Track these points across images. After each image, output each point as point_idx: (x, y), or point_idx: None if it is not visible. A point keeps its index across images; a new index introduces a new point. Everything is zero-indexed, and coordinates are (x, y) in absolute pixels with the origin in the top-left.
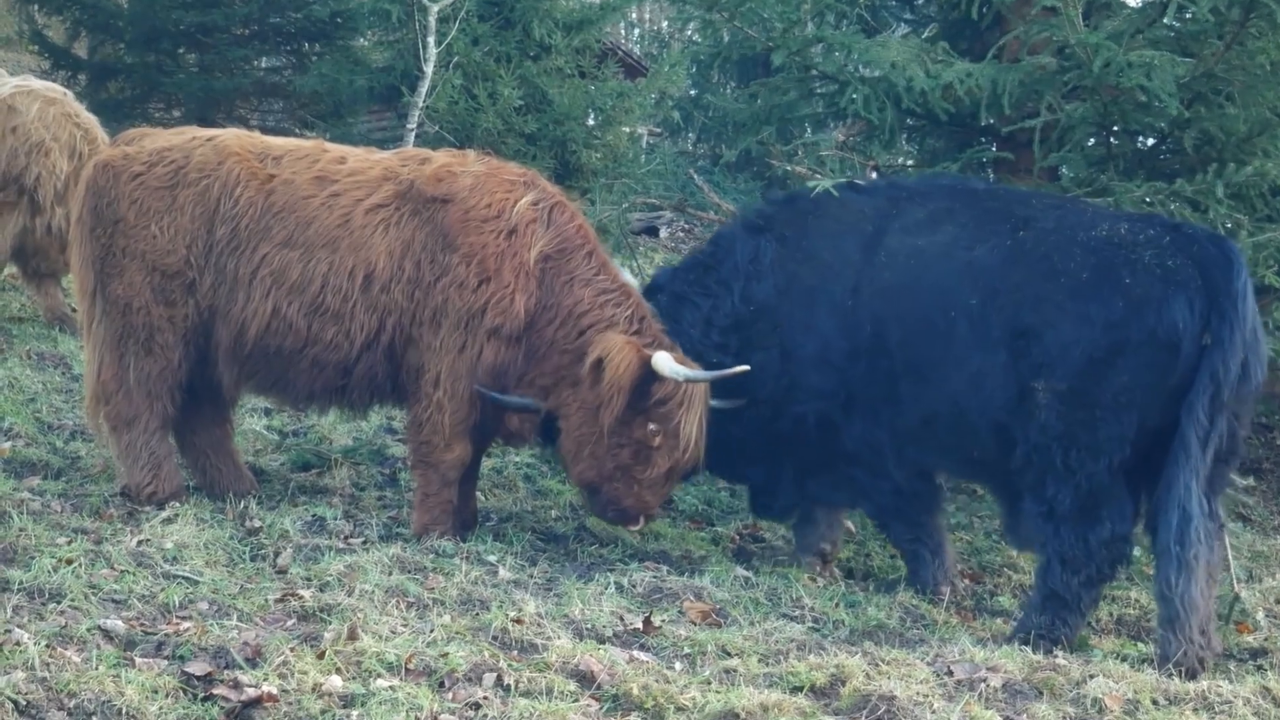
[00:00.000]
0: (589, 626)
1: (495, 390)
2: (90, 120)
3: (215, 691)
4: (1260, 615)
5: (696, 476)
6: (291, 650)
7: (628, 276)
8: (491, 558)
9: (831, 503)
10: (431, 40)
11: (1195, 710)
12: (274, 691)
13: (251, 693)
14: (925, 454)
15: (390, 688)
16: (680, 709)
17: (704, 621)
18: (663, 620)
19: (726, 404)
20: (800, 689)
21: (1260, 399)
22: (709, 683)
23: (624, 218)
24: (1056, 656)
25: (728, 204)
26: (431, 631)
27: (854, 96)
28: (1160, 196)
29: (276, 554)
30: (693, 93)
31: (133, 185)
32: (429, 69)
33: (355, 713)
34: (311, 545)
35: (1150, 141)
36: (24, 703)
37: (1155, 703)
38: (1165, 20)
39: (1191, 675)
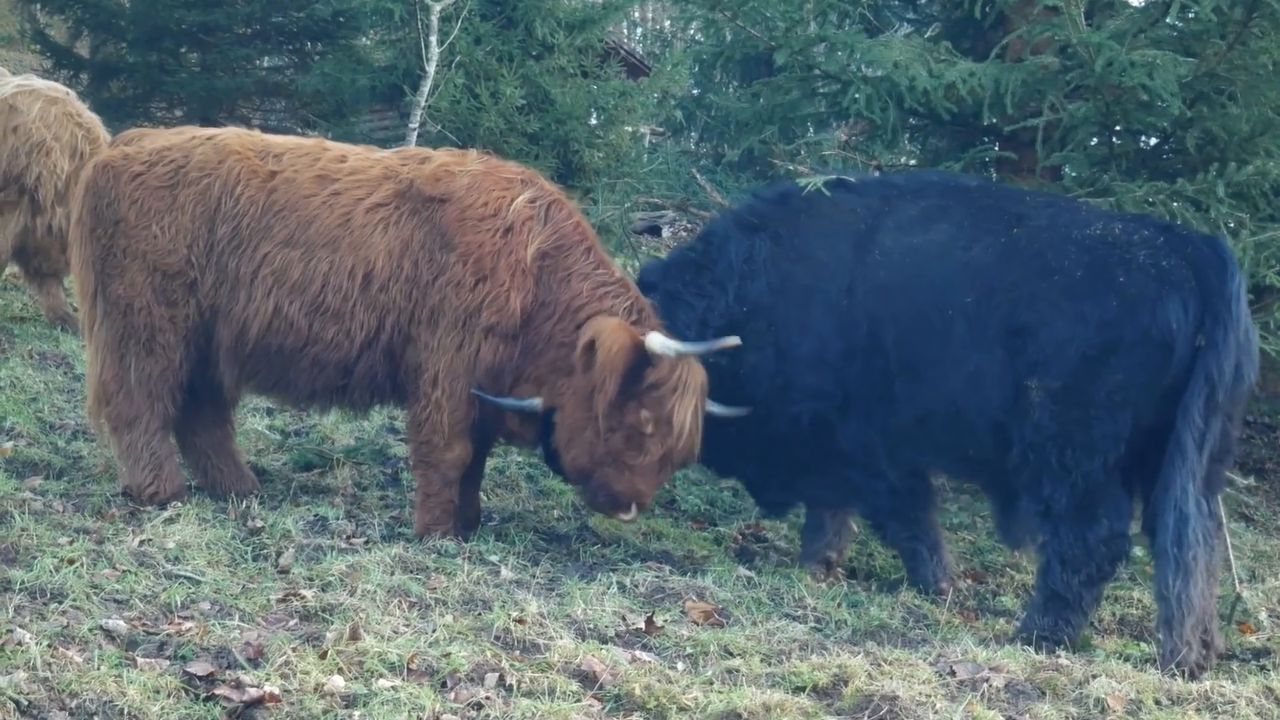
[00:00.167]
0: (591, 626)
1: (493, 389)
2: (92, 120)
3: (217, 691)
4: (1263, 615)
5: (691, 470)
6: (294, 650)
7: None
8: (494, 558)
9: (824, 502)
10: (434, 39)
11: (1198, 710)
12: (276, 692)
13: (253, 693)
14: (920, 453)
15: (392, 688)
16: (683, 709)
17: (706, 621)
18: (665, 620)
19: (730, 411)
20: (803, 689)
21: (1265, 399)
22: (711, 683)
23: (626, 217)
24: (1059, 656)
25: (730, 203)
26: (434, 631)
27: (856, 96)
28: (1162, 196)
29: (278, 554)
30: (695, 92)
31: (133, 185)
32: (431, 68)
33: (357, 713)
34: (314, 545)
35: (1152, 141)
36: (26, 703)
37: (1158, 703)
38: (1168, 20)
39: (1193, 676)
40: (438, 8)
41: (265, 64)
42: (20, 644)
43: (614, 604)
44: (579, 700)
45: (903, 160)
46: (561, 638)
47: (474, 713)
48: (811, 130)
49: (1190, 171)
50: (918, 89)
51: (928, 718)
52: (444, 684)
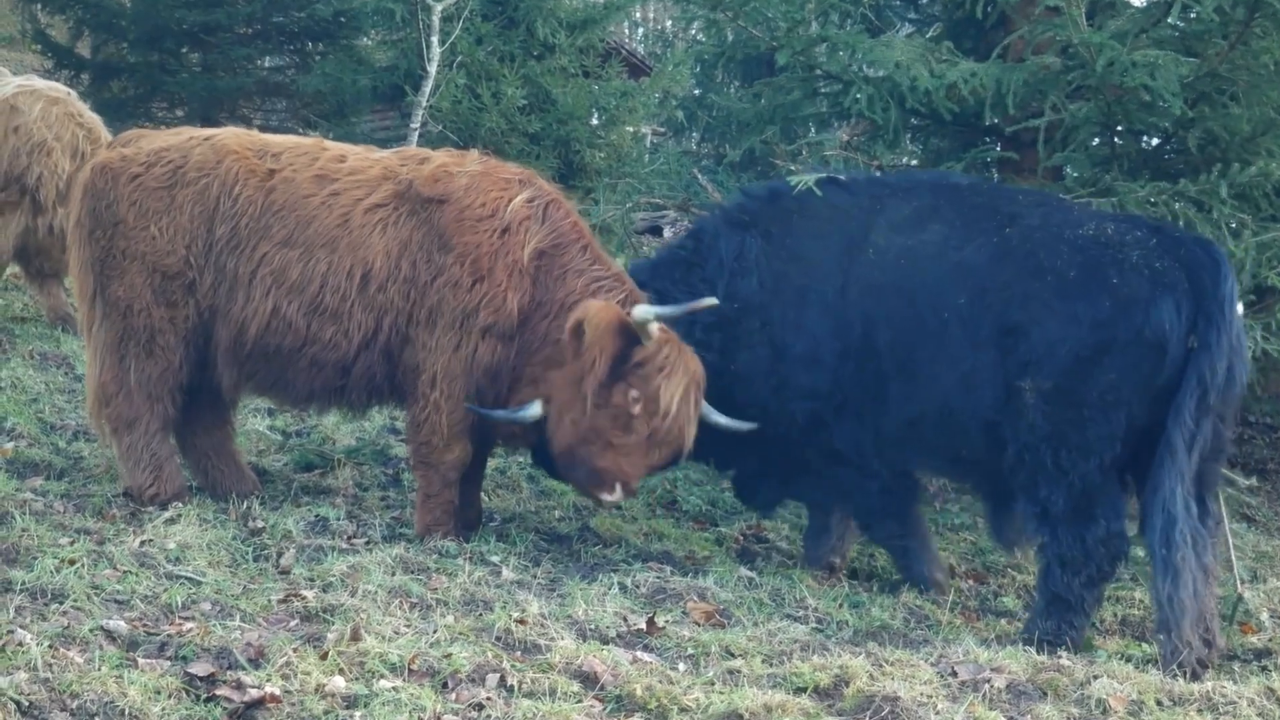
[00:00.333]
0: (592, 627)
1: (491, 390)
2: (93, 120)
3: (218, 692)
4: (1264, 616)
5: (692, 470)
6: (294, 651)
7: None
8: (495, 558)
9: (815, 500)
10: (435, 40)
11: (1199, 711)
12: (277, 692)
13: (254, 694)
14: (913, 454)
15: (393, 688)
16: (684, 710)
17: (708, 622)
18: (666, 621)
19: (735, 424)
20: (804, 690)
21: (1267, 400)
22: (713, 683)
23: (628, 217)
24: (1060, 657)
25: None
26: (435, 632)
27: (858, 96)
28: (1164, 196)
29: (279, 554)
30: (696, 92)
31: (131, 187)
32: (432, 68)
33: (358, 713)
34: (314, 546)
35: (1154, 141)
36: (26, 703)
37: (1159, 703)
38: (1169, 20)
39: (1195, 676)
40: (439, 8)
41: (266, 64)
42: (21, 644)
43: (615, 605)
44: (580, 701)
45: (904, 160)
46: (563, 638)
47: (475, 713)
48: (813, 130)
49: (1192, 172)
50: (919, 89)
51: (929, 718)
52: (445, 685)
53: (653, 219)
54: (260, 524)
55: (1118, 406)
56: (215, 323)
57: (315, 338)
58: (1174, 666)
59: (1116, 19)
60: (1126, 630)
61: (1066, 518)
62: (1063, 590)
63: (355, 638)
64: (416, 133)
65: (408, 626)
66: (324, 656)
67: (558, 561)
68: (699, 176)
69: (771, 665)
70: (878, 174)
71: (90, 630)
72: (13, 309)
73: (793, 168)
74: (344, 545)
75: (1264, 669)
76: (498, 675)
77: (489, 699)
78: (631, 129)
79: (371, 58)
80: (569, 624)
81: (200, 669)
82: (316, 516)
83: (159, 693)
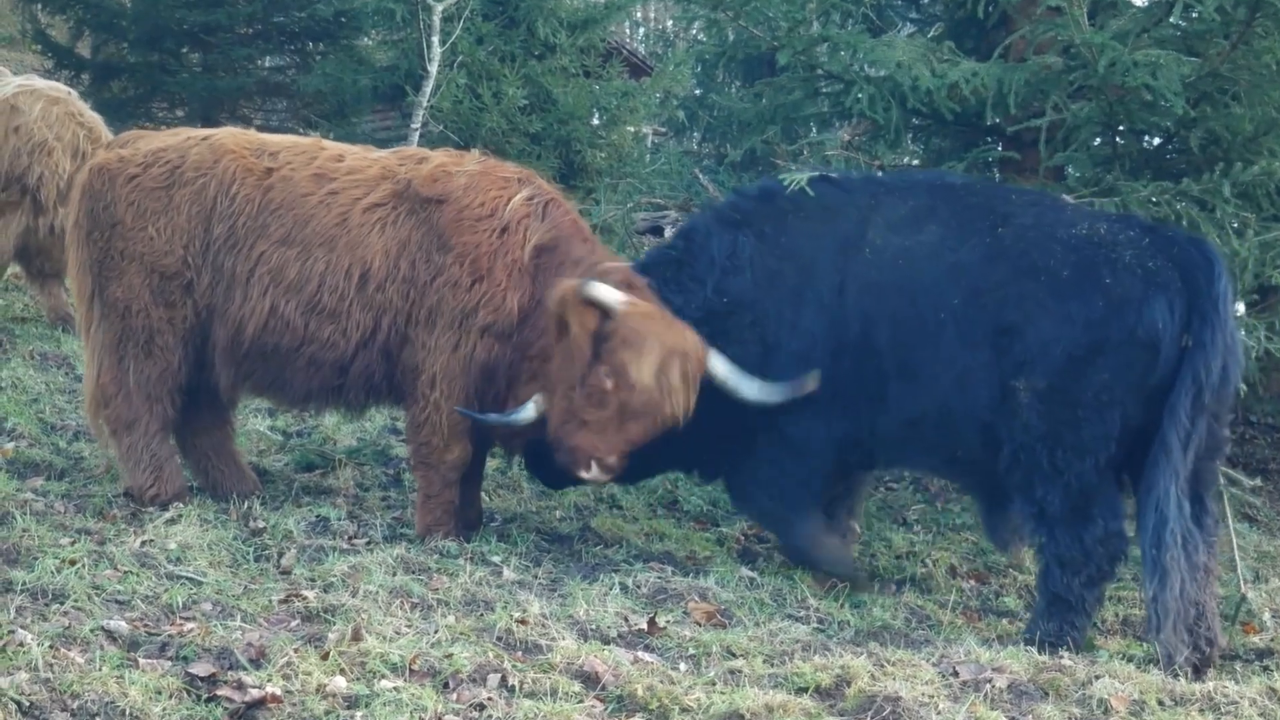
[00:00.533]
0: (594, 627)
1: (491, 389)
2: (94, 120)
3: (219, 692)
4: (1267, 616)
5: (676, 425)
6: (295, 651)
7: None
8: (496, 558)
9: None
10: (436, 40)
11: (1201, 711)
12: (278, 692)
13: (255, 694)
14: (910, 454)
15: (394, 689)
16: (685, 710)
17: (709, 622)
18: (667, 621)
19: (771, 393)
20: (805, 690)
21: (1269, 400)
22: (714, 683)
23: (629, 217)
24: (1062, 657)
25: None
26: (436, 632)
27: (859, 96)
28: (1167, 196)
29: (280, 555)
30: (697, 92)
31: (129, 187)
32: (433, 68)
33: (359, 714)
34: (315, 546)
35: (1156, 141)
36: (27, 704)
37: (1161, 703)
38: (1171, 20)
39: (1196, 676)
40: (439, 8)
41: (267, 64)
42: (22, 645)
43: (616, 605)
44: (581, 701)
45: (906, 160)
46: (564, 638)
47: (476, 714)
48: (814, 130)
49: (1194, 172)
50: (921, 89)
51: (930, 718)
52: (446, 685)
53: (654, 219)
54: (261, 524)
55: (1112, 406)
56: (213, 322)
57: (313, 337)
58: (1172, 668)
59: (1118, 19)
60: (1128, 630)
61: (1064, 518)
62: (1063, 591)
63: (356, 638)
64: (417, 133)
65: (409, 627)
66: (325, 657)
67: (559, 562)
68: (700, 177)
69: (773, 665)
70: (873, 174)
71: (91, 630)
72: (13, 309)
73: (793, 168)
74: (345, 545)
75: (1266, 669)
76: (499, 675)
77: (490, 699)
78: (632, 129)
79: (372, 58)
80: (570, 624)
81: (201, 669)
82: (317, 517)
83: (160, 693)
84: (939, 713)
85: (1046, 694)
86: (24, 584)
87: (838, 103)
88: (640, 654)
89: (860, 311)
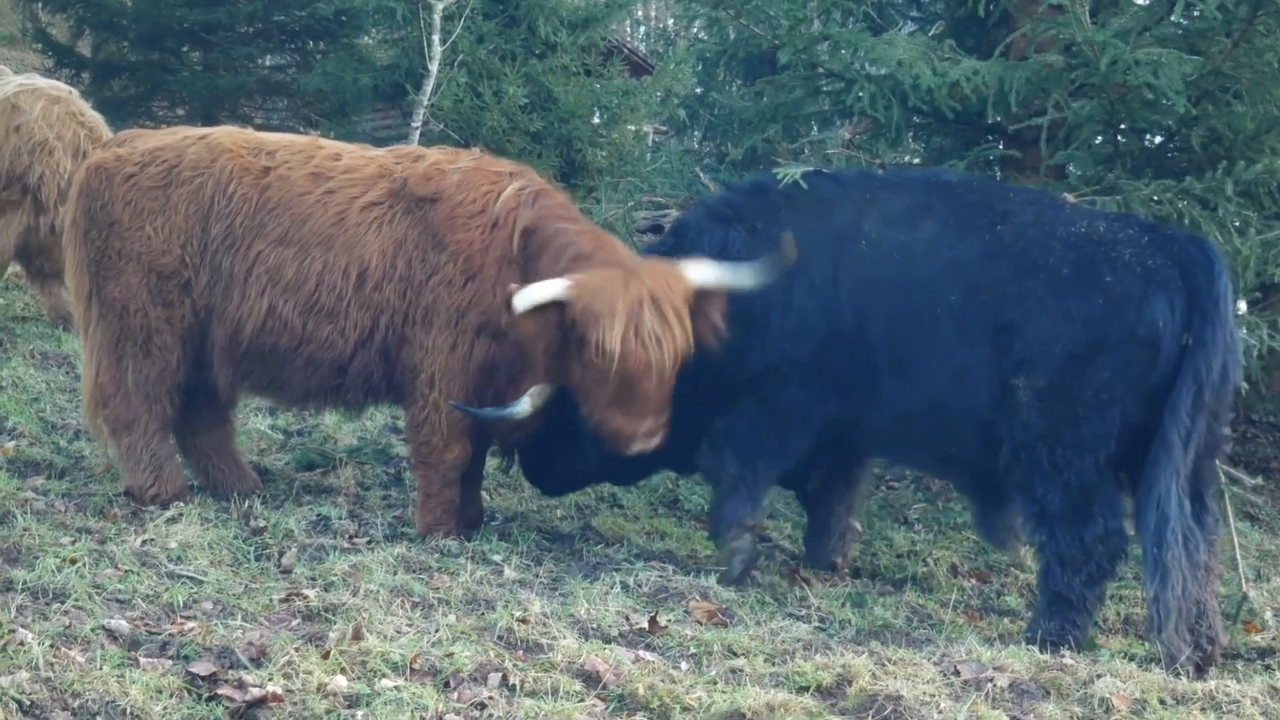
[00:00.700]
0: (594, 626)
1: (491, 387)
2: (95, 119)
3: (220, 692)
4: (1268, 615)
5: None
6: (296, 650)
7: None
8: (497, 557)
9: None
10: (436, 38)
11: (1203, 710)
12: (279, 691)
13: (256, 693)
14: (902, 449)
15: (395, 688)
16: (686, 709)
17: (710, 621)
18: (669, 620)
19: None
20: (806, 689)
21: (1271, 399)
22: (715, 682)
23: (630, 216)
24: (1064, 656)
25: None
26: (436, 631)
27: (860, 94)
28: (1169, 195)
29: (281, 554)
30: (698, 90)
31: (126, 187)
32: (434, 67)
33: (360, 713)
34: (316, 545)
35: (1158, 139)
36: (28, 703)
37: (1163, 702)
38: (1173, 18)
39: (1198, 674)
40: (440, 6)
41: (267, 63)
42: (22, 644)
43: (617, 604)
44: (582, 700)
45: (907, 159)
46: (565, 637)
47: (477, 713)
48: (815, 129)
49: (1196, 170)
50: (922, 87)
51: (932, 717)
52: (447, 684)
53: (655, 218)
54: (262, 523)
55: (1112, 404)
56: (211, 322)
57: (311, 337)
58: (1175, 667)
59: (1120, 17)
60: (1130, 629)
61: (1064, 516)
62: (1064, 589)
63: (357, 637)
64: (418, 132)
65: (410, 626)
66: (326, 656)
67: (560, 560)
68: (701, 175)
69: (774, 664)
70: (867, 170)
71: (92, 629)
72: (14, 308)
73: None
74: (346, 544)
75: (1268, 668)
76: (500, 674)
77: (491, 698)
78: (633, 127)
79: (373, 56)
80: (571, 623)
81: (202, 668)
82: (318, 516)
83: (160, 692)
84: (940, 712)
85: (1048, 693)
86: (25, 583)
87: (839, 101)
88: (641, 653)
89: (854, 304)
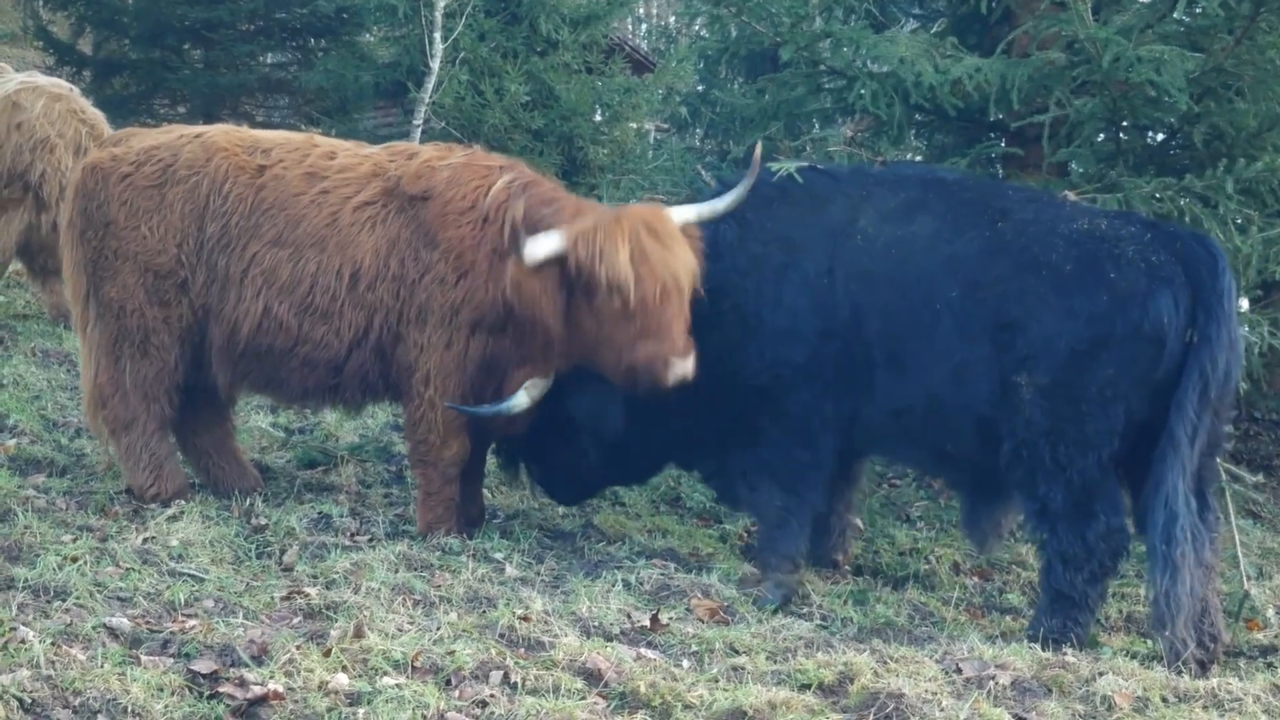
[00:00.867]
0: (596, 624)
1: (490, 382)
2: (96, 116)
3: (221, 689)
4: (1270, 612)
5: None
6: (298, 648)
7: None
8: (498, 555)
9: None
10: (438, 36)
11: (1205, 708)
12: (280, 689)
13: (257, 690)
14: (895, 446)
15: (397, 685)
16: (688, 707)
17: (711, 619)
18: (670, 618)
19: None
20: (808, 687)
21: (1273, 396)
22: (716, 680)
23: None
24: (1066, 654)
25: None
26: (438, 629)
27: (862, 92)
28: (1170, 192)
29: (282, 551)
30: (700, 88)
31: (121, 186)
32: (435, 65)
33: (362, 711)
34: (318, 543)
35: (1160, 137)
36: (29, 700)
37: (1165, 700)
38: (1175, 15)
39: (1200, 672)
40: (441, 4)
41: (268, 60)
42: (24, 642)
43: (619, 601)
44: (584, 698)
45: (909, 156)
46: (566, 635)
47: (478, 710)
48: (817, 126)
49: (1198, 167)
50: (924, 85)
51: (934, 715)
52: (448, 682)
53: None
54: (263, 521)
55: (1116, 401)
56: (208, 322)
57: (307, 337)
58: (1178, 664)
59: (1122, 14)
60: (1132, 627)
61: (1066, 514)
62: (1066, 587)
63: (358, 635)
64: (419, 129)
65: (411, 624)
66: (327, 653)
67: (561, 558)
68: (703, 173)
69: (775, 662)
70: (862, 165)
71: (93, 627)
72: (15, 306)
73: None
74: (347, 542)
75: (1270, 665)
76: (501, 672)
77: (492, 696)
78: (635, 125)
79: (374, 54)
80: (572, 621)
81: (203, 666)
82: (319, 513)
83: (162, 690)
84: (942, 710)
85: (1050, 691)
86: (26, 581)
87: (840, 99)
88: (643, 651)
89: (850, 299)
